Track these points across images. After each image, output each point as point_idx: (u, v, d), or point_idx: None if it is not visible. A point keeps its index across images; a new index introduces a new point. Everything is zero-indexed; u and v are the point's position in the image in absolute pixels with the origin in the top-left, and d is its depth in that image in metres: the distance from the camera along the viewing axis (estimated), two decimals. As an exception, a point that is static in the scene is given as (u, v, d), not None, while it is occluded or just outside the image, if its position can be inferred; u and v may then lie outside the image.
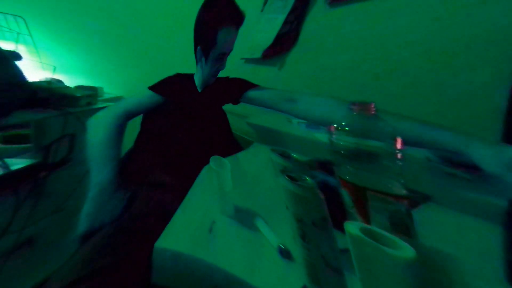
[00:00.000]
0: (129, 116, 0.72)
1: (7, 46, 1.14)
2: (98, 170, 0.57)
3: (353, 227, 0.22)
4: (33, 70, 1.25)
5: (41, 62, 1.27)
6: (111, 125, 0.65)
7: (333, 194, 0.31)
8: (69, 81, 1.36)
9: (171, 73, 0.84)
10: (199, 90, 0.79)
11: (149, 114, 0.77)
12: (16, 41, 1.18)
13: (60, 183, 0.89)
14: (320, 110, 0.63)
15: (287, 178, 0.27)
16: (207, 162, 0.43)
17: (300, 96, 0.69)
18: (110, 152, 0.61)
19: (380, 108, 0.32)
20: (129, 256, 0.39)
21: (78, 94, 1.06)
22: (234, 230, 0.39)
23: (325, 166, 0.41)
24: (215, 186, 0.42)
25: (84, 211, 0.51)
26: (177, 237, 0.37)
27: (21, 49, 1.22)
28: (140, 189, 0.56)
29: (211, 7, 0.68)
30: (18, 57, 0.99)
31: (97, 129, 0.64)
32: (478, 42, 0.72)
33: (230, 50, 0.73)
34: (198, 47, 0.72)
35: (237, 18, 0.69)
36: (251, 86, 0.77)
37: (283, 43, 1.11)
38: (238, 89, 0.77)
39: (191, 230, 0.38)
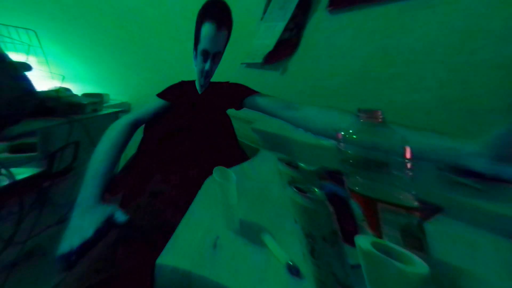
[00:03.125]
0: (138, 123, 0.77)
1: (18, 57, 1.24)
2: (85, 186, 0.58)
3: (364, 241, 0.22)
4: (42, 79, 1.35)
5: (51, 72, 1.37)
6: (116, 134, 0.70)
7: (342, 206, 0.31)
8: (77, 89, 1.46)
9: (173, 79, 0.90)
10: (199, 92, 0.83)
11: (152, 120, 0.81)
12: (27, 53, 1.28)
13: (63, 192, 0.93)
14: (321, 119, 0.64)
15: (295, 189, 0.28)
16: (211, 171, 0.43)
17: (301, 105, 0.71)
18: (103, 165, 0.63)
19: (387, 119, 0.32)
20: (130, 269, 0.40)
21: (85, 102, 1.13)
22: (239, 246, 0.39)
23: (334, 176, 0.41)
24: (219, 199, 0.42)
25: (65, 233, 0.51)
26: (180, 253, 0.37)
27: (31, 60, 1.32)
28: (141, 197, 0.57)
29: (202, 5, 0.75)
30: (28, 67, 1.07)
31: (104, 139, 0.69)
32: (483, 44, 0.73)
33: (215, 50, 0.75)
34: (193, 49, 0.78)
35: (216, 13, 0.72)
36: (251, 92, 0.80)
37: (283, 49, 1.16)
38: (238, 95, 0.80)
39: (194, 245, 0.39)
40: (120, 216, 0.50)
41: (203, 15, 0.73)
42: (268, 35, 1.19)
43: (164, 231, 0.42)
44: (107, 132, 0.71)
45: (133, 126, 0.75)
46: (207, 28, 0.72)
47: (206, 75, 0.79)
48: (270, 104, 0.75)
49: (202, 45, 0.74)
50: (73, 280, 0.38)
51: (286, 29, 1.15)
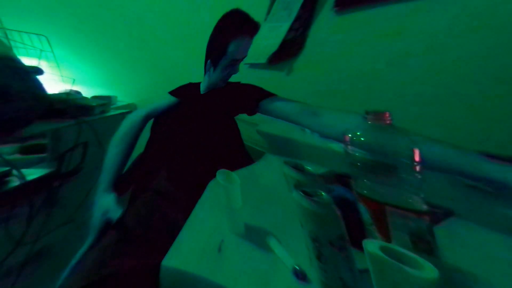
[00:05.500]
0: (149, 117, 0.82)
1: (30, 62, 1.29)
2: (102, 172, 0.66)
3: (372, 245, 0.22)
4: (54, 83, 1.42)
5: (62, 76, 1.42)
6: (130, 124, 0.77)
7: (350, 210, 0.31)
8: (87, 91, 1.53)
9: (178, 81, 0.92)
10: (201, 93, 0.84)
11: (159, 119, 0.84)
12: (39, 57, 1.33)
13: (73, 193, 0.96)
14: (345, 126, 0.62)
15: (301, 193, 0.28)
16: (214, 173, 0.43)
17: (322, 110, 0.67)
18: (116, 158, 0.71)
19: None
20: (131, 267, 0.40)
21: (93, 104, 1.16)
22: (244, 250, 0.39)
23: (342, 179, 0.41)
24: (223, 202, 0.42)
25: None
26: (185, 256, 0.38)
27: (43, 64, 1.38)
28: (145, 194, 0.58)
29: (226, 21, 0.75)
30: (40, 71, 1.11)
31: (119, 129, 0.76)
32: (492, 48, 0.72)
33: (244, 57, 0.77)
34: (209, 60, 0.78)
35: (252, 28, 0.75)
36: (268, 95, 0.76)
37: (288, 49, 1.16)
38: (254, 98, 0.76)
39: (199, 248, 0.39)
40: (114, 212, 0.52)
41: (235, 33, 0.72)
42: (273, 35, 1.20)
43: (165, 229, 0.43)
44: (123, 123, 0.77)
45: (145, 119, 0.80)
46: (240, 42, 0.73)
47: (229, 78, 0.82)
48: (291, 109, 0.71)
49: (230, 57, 0.74)
50: (81, 276, 0.39)
51: (291, 29, 1.15)
